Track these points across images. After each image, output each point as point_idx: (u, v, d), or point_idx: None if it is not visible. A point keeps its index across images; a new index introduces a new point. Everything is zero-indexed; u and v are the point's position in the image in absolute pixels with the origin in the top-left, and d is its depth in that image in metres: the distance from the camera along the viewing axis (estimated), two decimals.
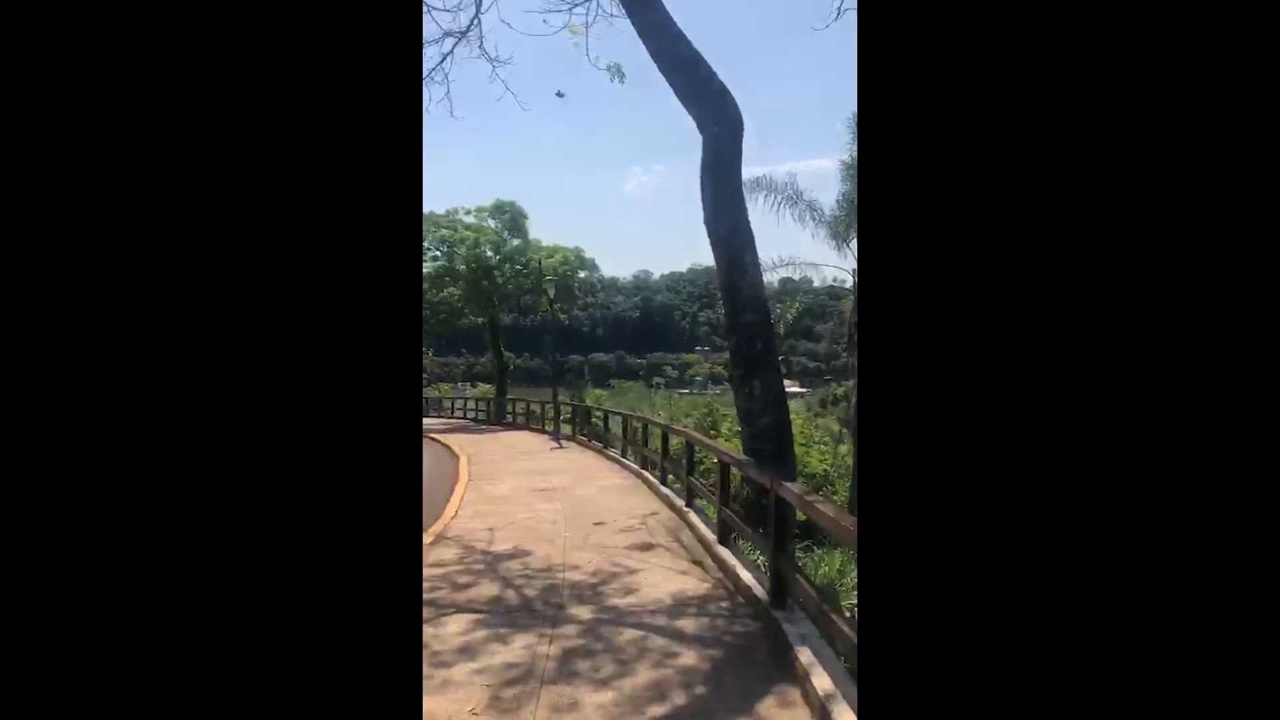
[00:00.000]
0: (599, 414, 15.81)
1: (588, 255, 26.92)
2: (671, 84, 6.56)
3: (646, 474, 10.11)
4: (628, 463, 11.49)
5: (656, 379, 24.51)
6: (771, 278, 15.20)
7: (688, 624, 4.48)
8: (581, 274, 27.29)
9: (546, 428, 18.51)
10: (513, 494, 9.47)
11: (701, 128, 6.57)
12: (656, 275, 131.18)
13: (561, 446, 15.23)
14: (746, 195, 7.28)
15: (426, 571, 5.79)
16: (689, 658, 3.95)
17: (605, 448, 13.63)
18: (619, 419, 13.27)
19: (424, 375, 41.58)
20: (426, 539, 6.98)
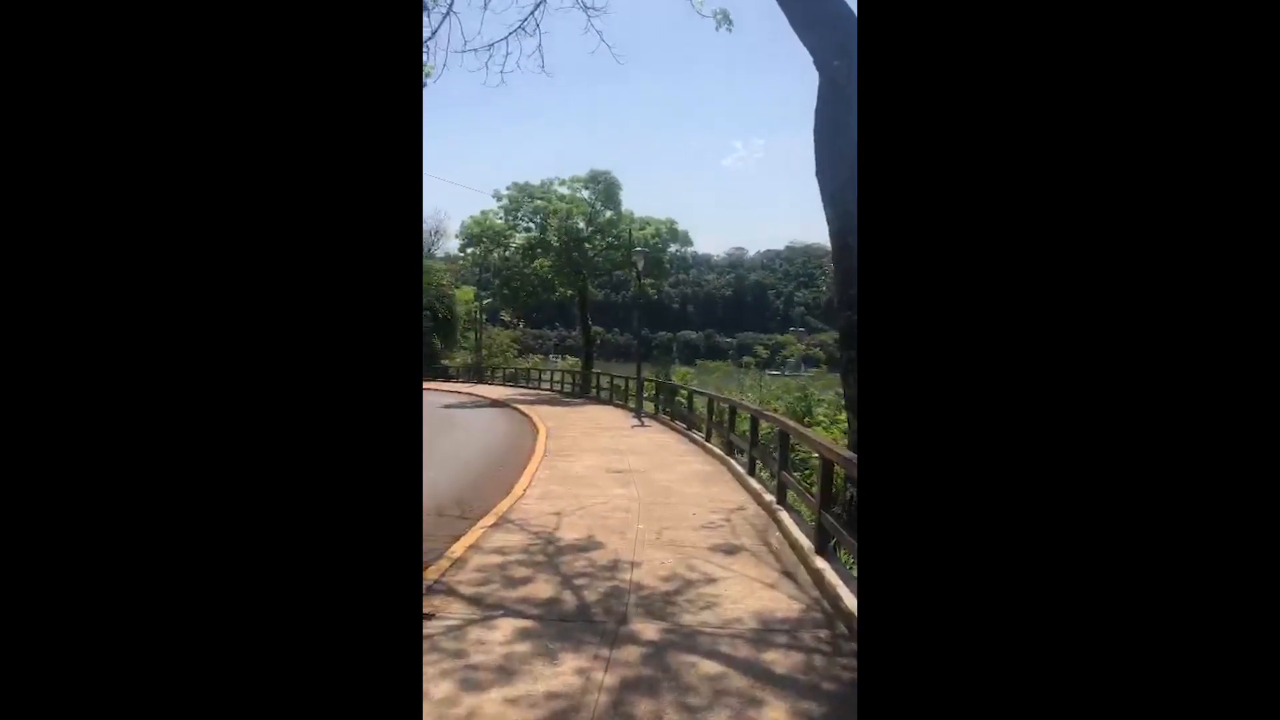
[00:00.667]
0: (684, 393, 15.01)
1: (680, 228, 25.99)
2: (785, 8, 5.56)
3: (732, 461, 9.24)
4: (712, 447, 10.65)
5: (746, 358, 23.34)
6: None
7: (776, 658, 3.64)
8: (673, 248, 26.41)
9: (629, 404, 17.93)
10: (587, 474, 8.86)
11: (818, 63, 5.55)
12: (752, 253, 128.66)
13: (643, 425, 14.57)
14: None
15: (482, 560, 5.21)
16: (777, 711, 3.11)
17: (689, 429, 12.83)
18: (704, 399, 12.43)
19: (516, 346, 42.14)
20: (487, 520, 6.45)
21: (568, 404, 20.46)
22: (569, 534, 6.03)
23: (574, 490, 7.86)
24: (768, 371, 25.51)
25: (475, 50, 7.98)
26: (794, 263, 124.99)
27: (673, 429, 13.71)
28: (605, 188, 24.60)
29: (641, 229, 24.35)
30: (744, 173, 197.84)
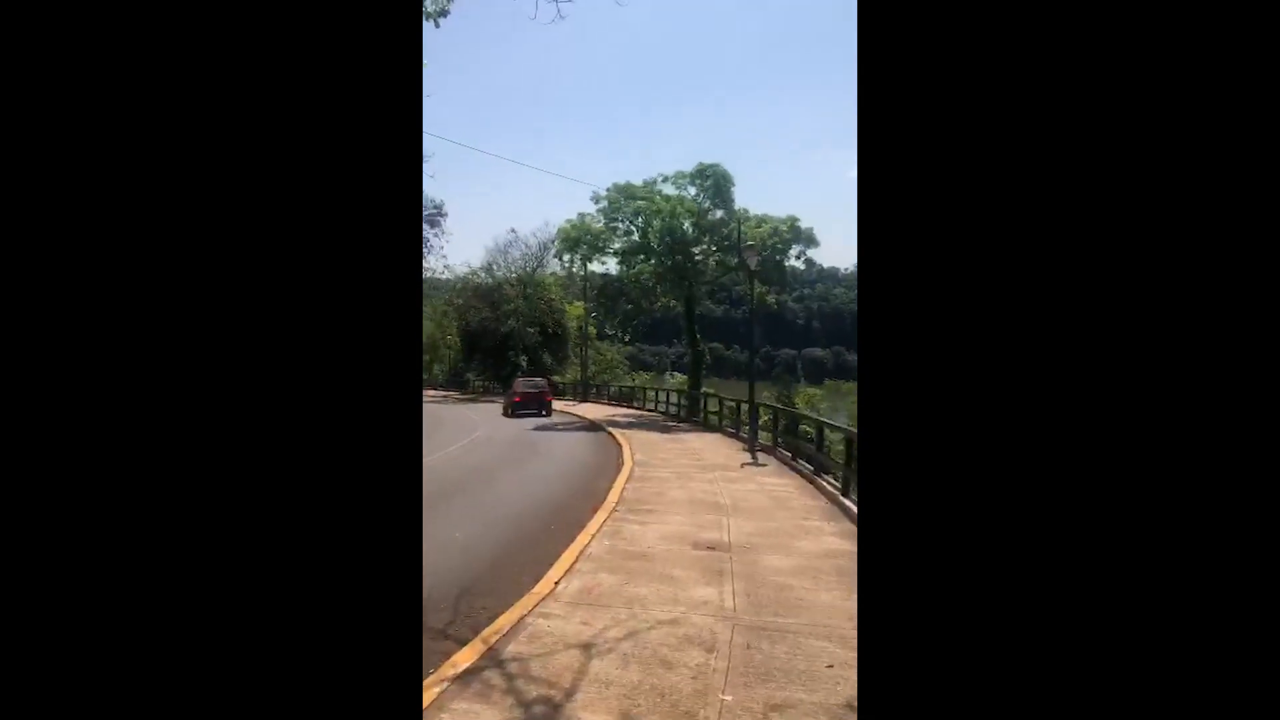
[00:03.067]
0: (809, 424, 11.73)
1: (804, 226, 22.55)
2: None
3: None
4: (853, 508, 7.38)
5: None
6: None
7: None
8: (795, 250, 22.99)
9: (742, 433, 14.82)
10: (663, 550, 5.93)
11: None
12: None
13: (757, 463, 11.43)
14: None
15: None
16: None
17: (817, 473, 9.58)
18: (841, 435, 9.17)
19: (626, 363, 39.90)
20: (465, 658, 3.70)
21: (670, 430, 17.60)
22: (591, 703, 3.15)
23: (633, 587, 4.95)
24: None
25: None
26: None
27: (795, 470, 10.49)
28: (714, 183, 21.60)
29: (757, 227, 21.18)
30: None
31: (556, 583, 5.03)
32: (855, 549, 6.02)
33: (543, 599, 4.66)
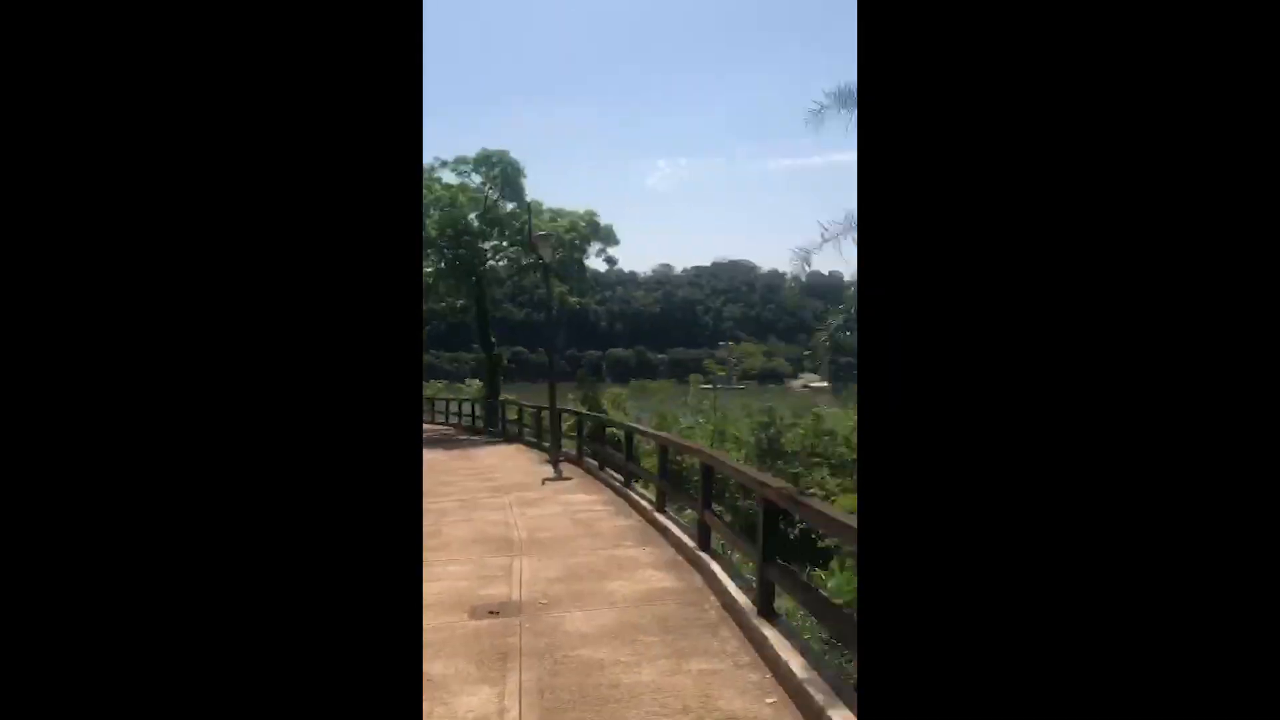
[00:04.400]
0: (617, 430, 10.54)
1: (604, 223, 21.64)
2: None
3: (715, 568, 4.76)
4: (669, 527, 6.17)
5: (693, 375, 19.22)
6: None
7: None
8: (595, 247, 22.03)
9: (544, 442, 13.38)
10: (434, 616, 4.20)
11: None
12: (679, 270, 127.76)
13: (560, 476, 10.02)
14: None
15: None
16: None
17: (628, 484, 8.37)
18: (655, 444, 8.02)
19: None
20: None
21: (462, 444, 15.64)
22: None
23: None
24: (700, 385, 21.82)
25: None
26: (720, 278, 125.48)
27: (603, 483, 9.22)
28: (503, 172, 19.80)
29: (553, 221, 19.84)
30: (668, 191, 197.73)
31: None
32: (679, 583, 4.78)
33: None
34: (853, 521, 2.93)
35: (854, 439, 13.84)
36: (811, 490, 10.20)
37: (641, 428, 9.48)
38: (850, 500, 5.14)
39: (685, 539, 5.61)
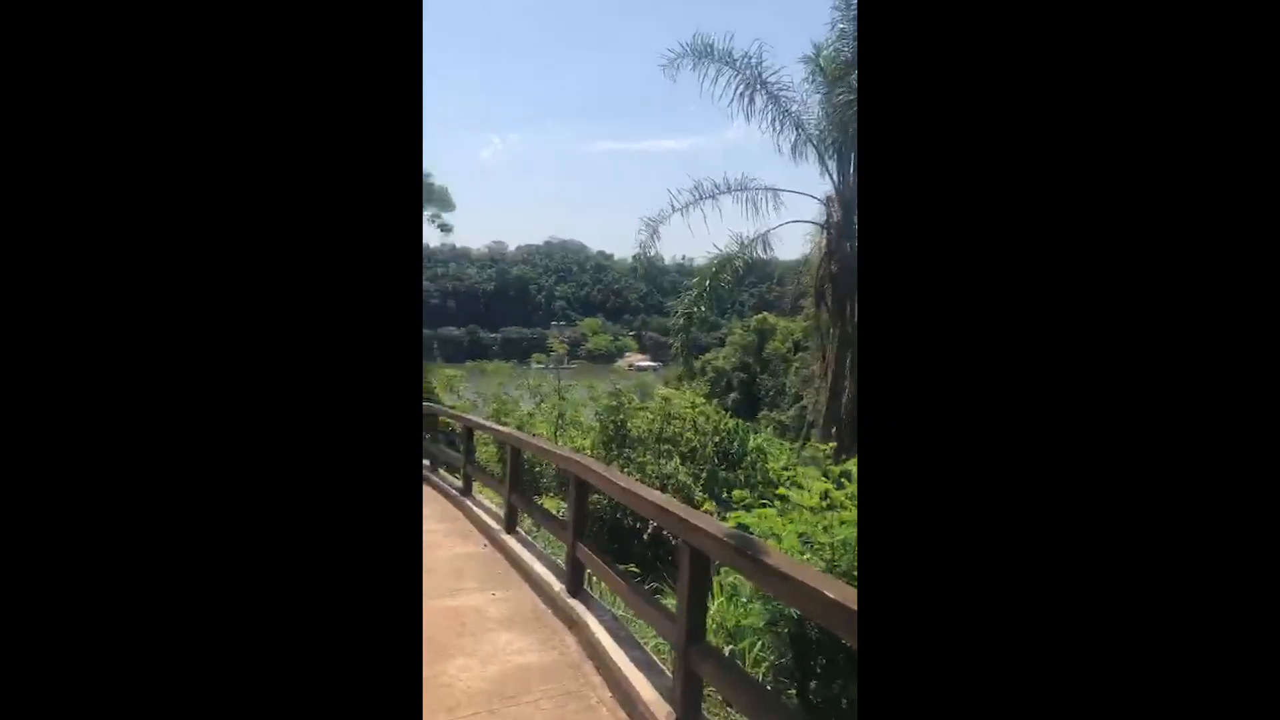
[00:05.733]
0: (447, 420, 8.94)
1: (438, 184, 19.44)
2: None
3: (599, 632, 3.52)
4: (530, 561, 4.83)
5: (537, 354, 17.81)
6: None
7: None
8: (429, 212, 19.78)
9: None
10: None
11: None
12: (512, 248, 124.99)
13: None
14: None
15: None
16: None
17: (468, 489, 6.90)
18: (498, 441, 6.64)
19: None
20: None
21: None
22: None
23: None
24: (531, 366, 20.53)
25: None
26: (553, 257, 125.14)
27: (435, 489, 7.64)
28: None
29: None
30: (501, 167, 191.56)
31: None
32: (548, 656, 3.49)
33: None
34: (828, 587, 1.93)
35: (700, 423, 13.33)
36: (666, 484, 9.30)
37: (485, 423, 7.97)
38: (752, 516, 4.14)
39: (548, 578, 4.32)
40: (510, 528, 5.46)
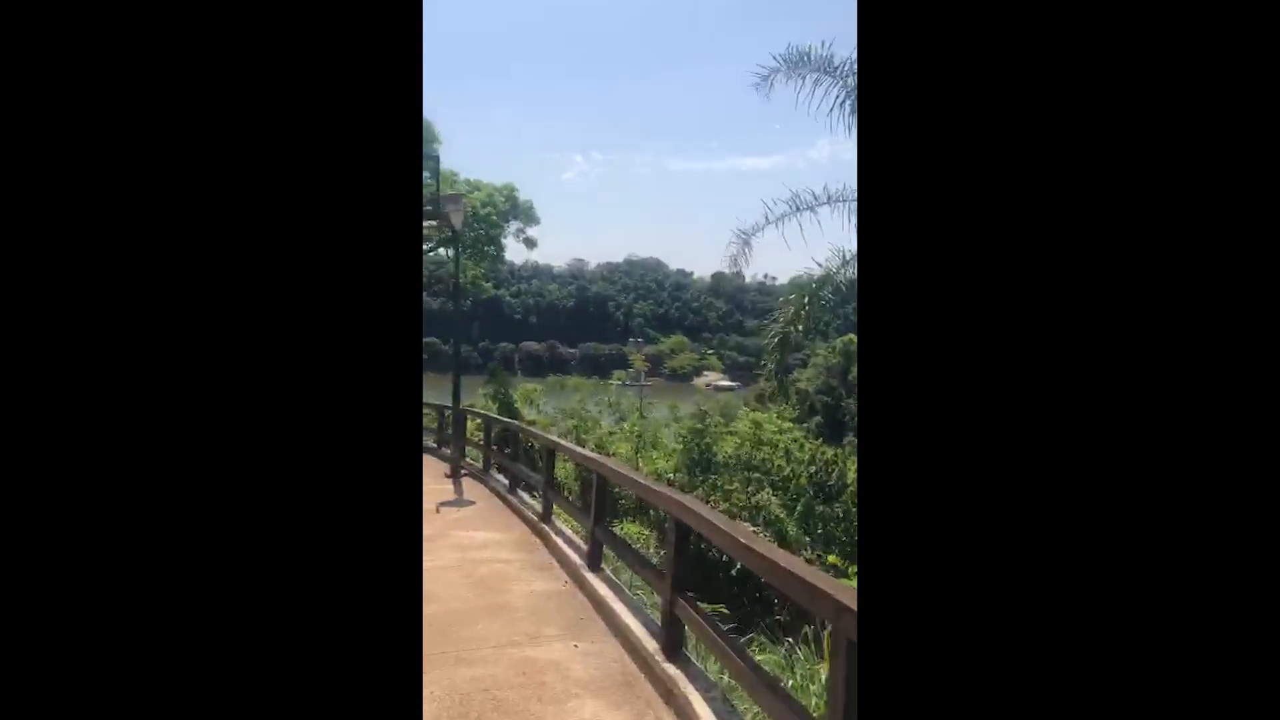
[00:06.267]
0: (531, 442, 8.56)
1: (523, 198, 19.50)
2: None
3: (700, 706, 2.95)
4: (615, 607, 4.31)
5: (616, 371, 17.47)
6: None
7: None
8: (514, 226, 19.89)
9: (445, 447, 11.26)
10: None
11: None
12: (592, 265, 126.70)
13: (462, 499, 7.98)
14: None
15: None
16: None
17: (548, 515, 6.45)
18: (582, 469, 6.16)
19: None
20: None
21: None
22: None
23: None
24: (612, 383, 20.21)
25: None
26: (632, 275, 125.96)
27: (514, 511, 7.25)
28: None
29: (469, 192, 17.53)
30: (584, 187, 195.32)
31: None
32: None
33: None
34: None
35: (792, 450, 12.49)
36: (756, 524, 8.60)
37: (569, 445, 7.53)
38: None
39: (639, 632, 3.78)
40: (594, 565, 4.95)
